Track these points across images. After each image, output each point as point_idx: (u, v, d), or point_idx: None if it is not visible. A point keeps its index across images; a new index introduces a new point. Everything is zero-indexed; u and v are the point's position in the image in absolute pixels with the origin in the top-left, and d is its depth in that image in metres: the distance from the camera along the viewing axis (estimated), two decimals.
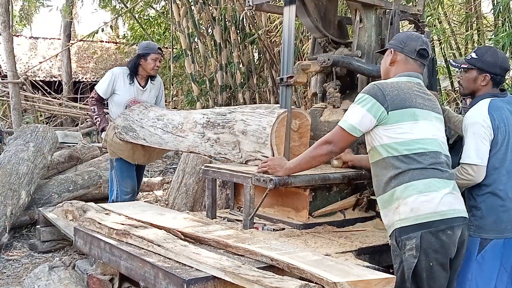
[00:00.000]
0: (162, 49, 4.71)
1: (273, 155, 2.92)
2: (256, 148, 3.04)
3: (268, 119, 2.98)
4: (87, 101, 12.97)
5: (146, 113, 4.24)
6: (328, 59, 3.16)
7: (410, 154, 2.27)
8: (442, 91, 6.70)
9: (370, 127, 2.34)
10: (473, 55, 2.70)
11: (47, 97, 12.37)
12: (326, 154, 2.48)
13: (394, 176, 2.28)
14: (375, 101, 2.30)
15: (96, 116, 4.58)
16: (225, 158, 3.33)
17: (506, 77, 3.23)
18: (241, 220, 2.99)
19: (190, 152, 3.75)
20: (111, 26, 11.66)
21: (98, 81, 4.79)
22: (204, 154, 3.54)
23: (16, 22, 19.52)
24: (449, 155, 2.40)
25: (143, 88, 4.55)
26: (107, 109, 4.73)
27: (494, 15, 6.07)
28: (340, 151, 2.57)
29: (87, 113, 11.34)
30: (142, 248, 2.44)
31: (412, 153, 2.27)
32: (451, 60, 2.94)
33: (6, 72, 10.21)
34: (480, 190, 2.59)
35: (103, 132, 4.52)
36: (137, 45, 14.81)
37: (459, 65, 2.77)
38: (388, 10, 3.32)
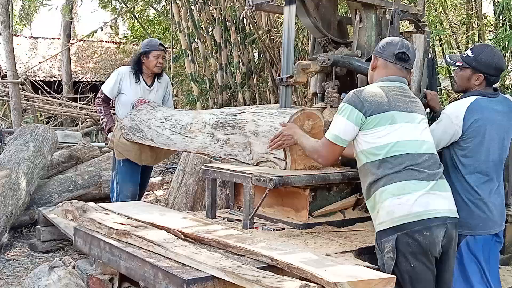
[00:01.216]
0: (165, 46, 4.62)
1: (286, 157, 2.91)
2: (268, 149, 3.00)
3: (280, 119, 2.94)
4: (87, 101, 13.00)
5: (153, 113, 4.18)
6: (328, 59, 3.16)
7: (386, 157, 2.30)
8: (442, 91, 6.70)
9: (354, 135, 2.38)
10: (469, 53, 2.70)
11: (47, 97, 12.37)
12: (316, 161, 2.67)
13: (373, 182, 2.33)
14: (353, 109, 2.34)
15: (102, 117, 4.51)
16: (235, 159, 3.27)
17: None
18: (241, 220, 2.98)
19: (199, 153, 3.67)
20: (111, 26, 11.65)
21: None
22: (214, 155, 3.47)
23: (16, 22, 19.54)
24: (434, 153, 2.39)
25: (150, 87, 4.47)
26: (114, 109, 4.66)
27: (495, 15, 6.07)
28: (328, 163, 2.65)
29: (87, 113, 11.34)
30: (142, 248, 2.44)
31: (388, 157, 2.30)
32: (446, 56, 2.93)
33: (6, 72, 10.21)
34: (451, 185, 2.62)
35: (110, 133, 4.45)
36: (136, 44, 14.81)
37: (454, 62, 2.77)
38: (388, 10, 3.32)
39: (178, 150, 4.03)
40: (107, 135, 4.55)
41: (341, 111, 2.40)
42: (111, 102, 4.61)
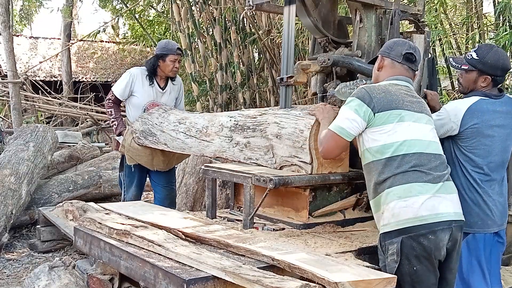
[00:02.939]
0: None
1: (312, 161, 2.81)
2: (292, 152, 2.89)
3: (305, 121, 2.85)
4: (87, 101, 12.99)
5: (166, 116, 4.04)
6: (328, 59, 3.15)
7: (393, 156, 2.28)
8: (443, 91, 6.70)
9: (361, 130, 2.35)
10: (474, 55, 2.68)
11: (47, 97, 12.37)
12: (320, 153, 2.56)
13: (379, 183, 2.31)
14: (362, 103, 2.32)
15: (113, 119, 4.33)
16: (256, 163, 3.12)
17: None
18: (241, 220, 2.99)
19: (217, 157, 3.51)
20: (112, 26, 11.66)
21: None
22: (233, 159, 3.32)
23: (16, 22, 19.55)
24: (441, 154, 2.38)
25: (163, 90, 4.30)
26: (125, 111, 4.48)
27: (495, 14, 6.08)
28: (328, 156, 2.53)
29: (87, 113, 11.34)
30: (143, 248, 2.44)
31: (395, 155, 2.28)
32: (450, 59, 2.91)
33: (6, 72, 10.20)
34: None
35: (119, 137, 4.29)
36: (137, 44, 14.80)
37: (459, 65, 2.75)
38: (388, 10, 3.31)
39: (194, 154, 3.82)
40: (112, 138, 4.41)
41: (348, 105, 2.36)
42: (121, 104, 4.44)
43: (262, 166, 3.07)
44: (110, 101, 4.29)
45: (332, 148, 2.42)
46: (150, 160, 4.21)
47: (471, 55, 2.70)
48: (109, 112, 4.35)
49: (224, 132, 3.37)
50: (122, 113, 4.47)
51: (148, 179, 4.50)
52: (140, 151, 4.18)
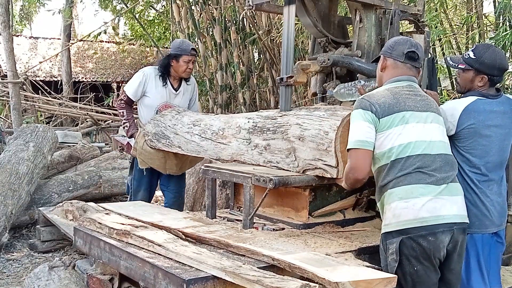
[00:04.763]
0: (194, 50, 4.14)
1: (337, 164, 2.68)
2: (316, 155, 2.77)
3: (330, 122, 2.74)
4: (87, 101, 12.99)
5: (179, 118, 3.91)
6: (328, 59, 3.15)
7: (397, 159, 2.27)
8: (443, 91, 6.70)
9: (374, 136, 2.32)
10: (471, 54, 2.67)
11: (47, 97, 12.38)
12: (353, 183, 2.40)
13: (383, 185, 2.32)
14: (365, 111, 2.31)
15: (124, 121, 4.15)
16: (277, 167, 3.00)
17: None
18: (241, 220, 2.99)
19: (234, 160, 3.37)
20: (113, 27, 11.67)
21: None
22: (251, 163, 3.18)
23: (16, 22, 19.57)
24: (447, 153, 2.37)
25: (176, 91, 4.15)
26: (137, 113, 4.33)
27: (495, 14, 6.08)
28: (363, 174, 2.32)
29: (87, 113, 11.34)
30: (143, 248, 2.44)
31: (399, 158, 2.27)
32: (448, 58, 2.89)
33: (6, 72, 10.21)
34: None
35: (131, 139, 4.14)
36: (135, 44, 14.78)
37: (456, 64, 2.74)
38: (388, 10, 3.32)
39: (209, 158, 3.69)
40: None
41: (354, 118, 2.35)
42: (133, 105, 4.29)
43: (284, 169, 2.96)
44: (122, 101, 4.14)
45: (362, 164, 2.30)
46: (163, 164, 4.08)
47: (468, 54, 2.69)
48: (121, 113, 4.18)
49: (242, 134, 3.26)
50: (134, 114, 4.32)
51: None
52: (153, 154, 4.04)
